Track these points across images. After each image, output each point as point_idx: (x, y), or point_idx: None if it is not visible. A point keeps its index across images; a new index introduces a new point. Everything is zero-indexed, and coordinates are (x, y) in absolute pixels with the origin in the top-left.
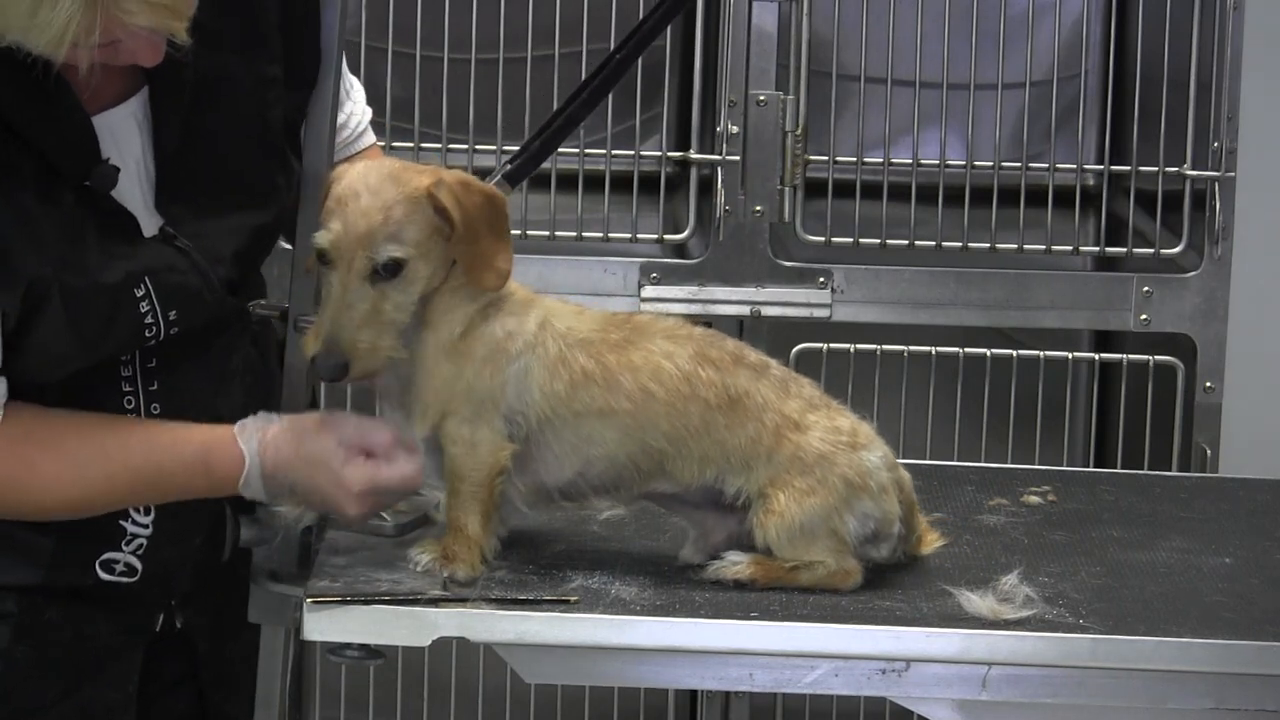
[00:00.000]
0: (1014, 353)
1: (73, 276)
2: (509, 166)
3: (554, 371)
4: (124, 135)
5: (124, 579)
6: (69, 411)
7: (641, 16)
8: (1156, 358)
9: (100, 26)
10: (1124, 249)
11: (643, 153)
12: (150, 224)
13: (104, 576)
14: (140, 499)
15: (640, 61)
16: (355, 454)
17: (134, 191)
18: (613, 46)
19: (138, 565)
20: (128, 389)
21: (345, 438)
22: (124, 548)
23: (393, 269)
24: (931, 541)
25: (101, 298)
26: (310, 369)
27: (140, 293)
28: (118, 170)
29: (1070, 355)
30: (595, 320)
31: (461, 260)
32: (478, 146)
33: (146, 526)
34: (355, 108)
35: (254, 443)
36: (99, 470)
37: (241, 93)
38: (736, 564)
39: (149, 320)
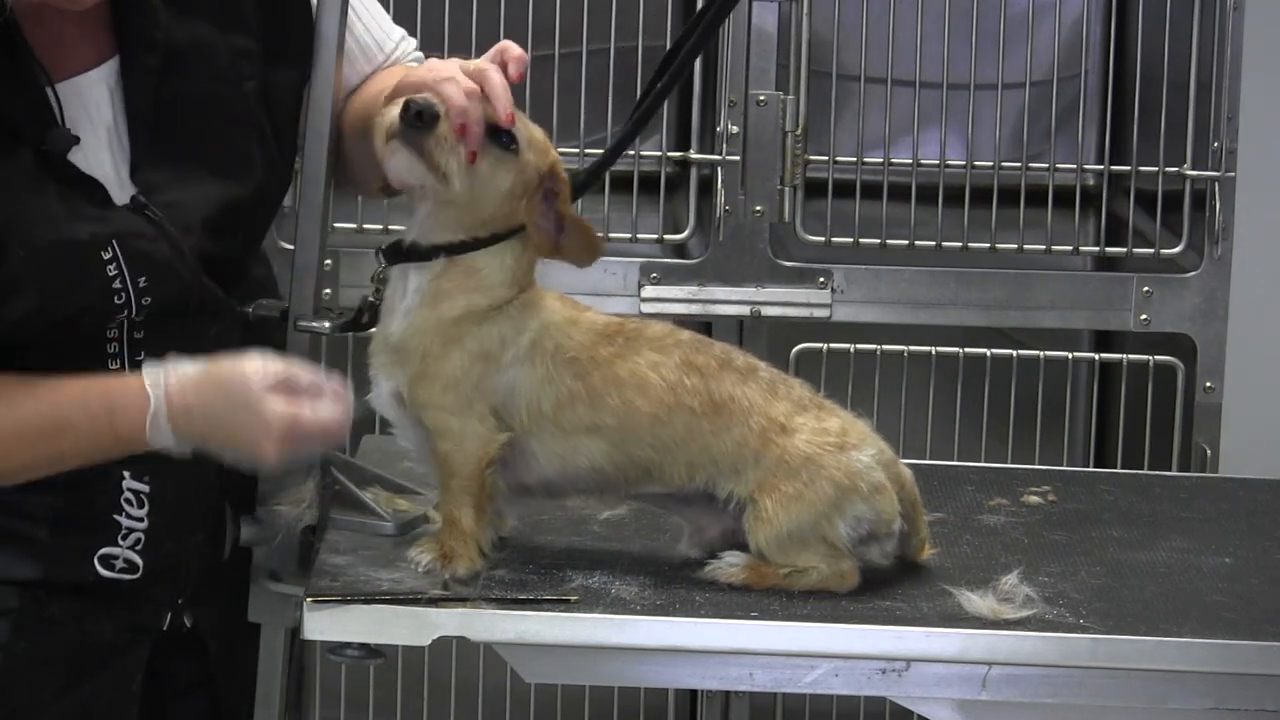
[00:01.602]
0: (1014, 353)
1: (34, 229)
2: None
3: (540, 391)
4: (94, 101)
5: (125, 576)
6: None
7: (643, 17)
8: (1156, 358)
9: None
10: (1124, 249)
11: (643, 153)
12: (122, 192)
13: (104, 573)
14: (46, 457)
15: (640, 61)
16: (276, 390)
17: (104, 159)
18: (613, 46)
19: (138, 561)
20: None
21: (265, 373)
22: (120, 543)
23: (507, 140)
24: (928, 551)
25: (66, 253)
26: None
27: (108, 255)
28: (76, 138)
29: (1070, 355)
30: (588, 333)
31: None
32: None
33: (141, 520)
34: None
35: (161, 383)
36: (6, 423)
37: (215, 62)
38: (732, 566)
39: (117, 285)
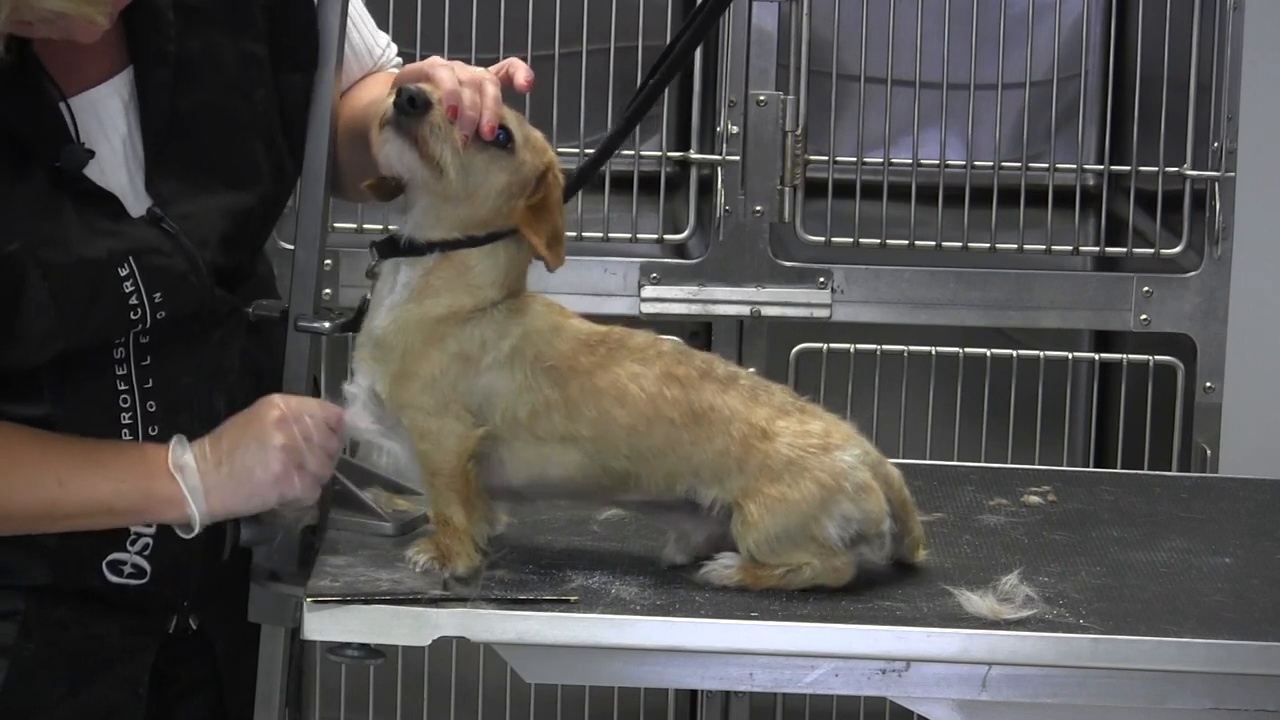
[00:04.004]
0: (1014, 353)
1: (51, 252)
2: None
3: (517, 398)
4: (108, 114)
5: (133, 581)
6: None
7: (643, 17)
8: (1156, 358)
9: (9, 6)
10: (1124, 249)
11: (643, 153)
12: (138, 205)
13: (112, 579)
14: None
15: (640, 61)
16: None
17: (120, 171)
18: (613, 47)
19: (146, 566)
20: (123, 387)
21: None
22: (129, 548)
23: (503, 137)
24: (923, 553)
25: (83, 273)
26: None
27: (124, 272)
28: (91, 153)
29: (1070, 355)
30: (570, 342)
31: (523, 215)
32: None
33: (150, 525)
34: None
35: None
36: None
37: (226, 71)
38: (727, 569)
39: (134, 301)
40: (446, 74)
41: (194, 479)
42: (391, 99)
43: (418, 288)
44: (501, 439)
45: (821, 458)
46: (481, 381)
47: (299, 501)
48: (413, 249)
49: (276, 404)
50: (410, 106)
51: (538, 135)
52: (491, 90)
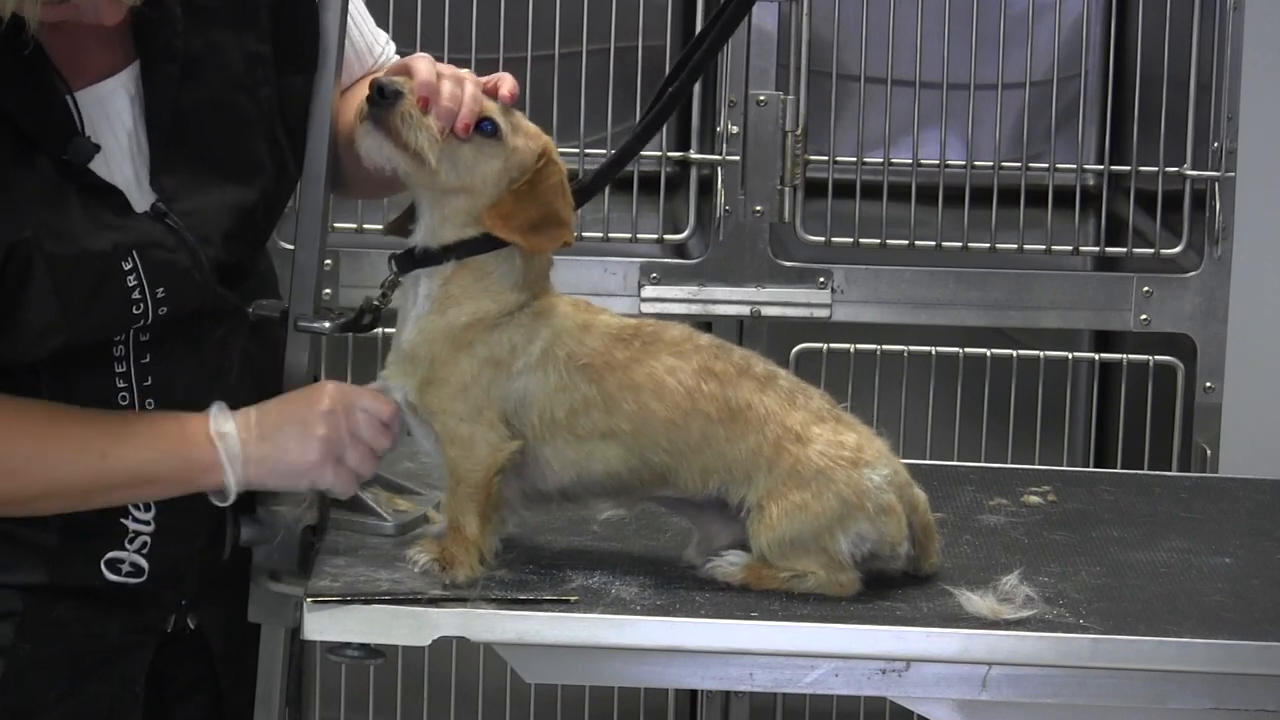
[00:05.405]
0: (1014, 353)
1: (55, 243)
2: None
3: (554, 399)
4: (115, 109)
5: (132, 579)
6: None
7: (643, 17)
8: (1156, 358)
9: None
10: (1124, 249)
11: (643, 153)
12: (142, 200)
13: (111, 577)
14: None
15: (640, 61)
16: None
17: (125, 166)
18: (612, 47)
19: (144, 565)
20: (122, 385)
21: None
22: (127, 546)
23: (489, 128)
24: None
25: (87, 266)
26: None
27: (128, 266)
28: (96, 147)
29: (1070, 355)
30: (602, 338)
31: (500, 204)
32: None
33: (148, 523)
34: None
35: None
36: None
37: (232, 68)
38: (732, 566)
39: (136, 296)
40: (424, 65)
41: (234, 446)
42: (367, 93)
43: (439, 298)
44: (543, 441)
45: (850, 472)
46: (515, 386)
47: (330, 493)
48: (428, 257)
49: (329, 393)
50: (380, 97)
51: (528, 123)
52: (470, 89)
